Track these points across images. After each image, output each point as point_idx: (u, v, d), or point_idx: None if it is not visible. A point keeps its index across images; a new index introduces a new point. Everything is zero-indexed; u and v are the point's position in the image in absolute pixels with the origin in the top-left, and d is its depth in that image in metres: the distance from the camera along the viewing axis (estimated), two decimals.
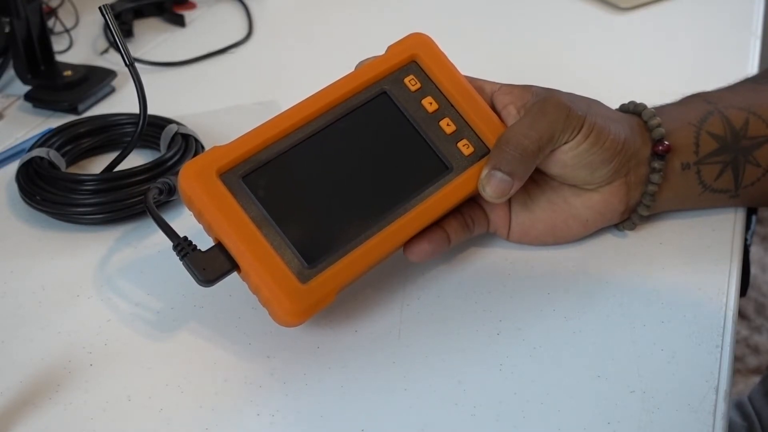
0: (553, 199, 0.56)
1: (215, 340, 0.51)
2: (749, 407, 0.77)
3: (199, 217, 0.49)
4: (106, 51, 0.84)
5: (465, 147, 0.53)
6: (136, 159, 0.65)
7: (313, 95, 0.52)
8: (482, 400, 0.47)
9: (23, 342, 0.51)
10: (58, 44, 0.83)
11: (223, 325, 0.52)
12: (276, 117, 0.51)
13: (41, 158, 0.62)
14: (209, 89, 0.79)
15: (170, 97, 0.75)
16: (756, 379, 1.43)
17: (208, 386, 0.48)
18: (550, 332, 0.51)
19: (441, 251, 0.53)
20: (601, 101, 0.56)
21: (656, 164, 0.54)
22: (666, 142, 0.54)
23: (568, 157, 0.53)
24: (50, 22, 0.85)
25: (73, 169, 0.66)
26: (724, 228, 0.58)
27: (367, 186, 0.51)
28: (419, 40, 0.55)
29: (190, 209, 0.49)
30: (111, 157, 0.63)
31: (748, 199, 0.59)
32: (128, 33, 0.87)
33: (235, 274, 0.49)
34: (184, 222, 0.53)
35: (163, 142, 0.65)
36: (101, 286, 0.55)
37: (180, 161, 0.63)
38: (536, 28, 0.90)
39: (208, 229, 0.49)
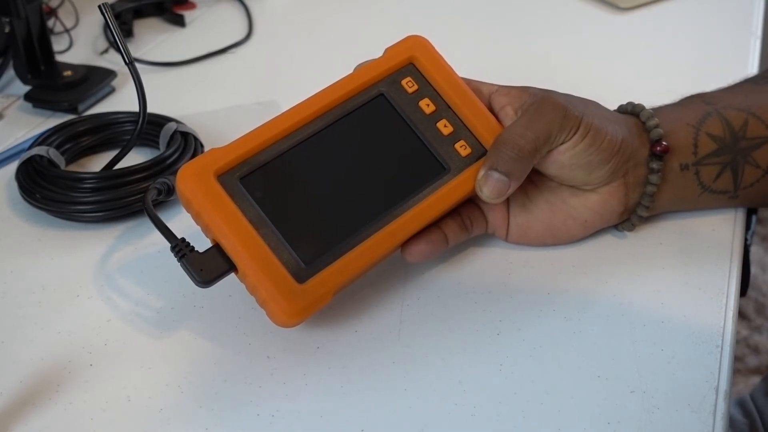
0: (552, 199, 0.56)
1: (215, 340, 0.51)
2: (751, 405, 0.78)
3: (197, 218, 0.49)
4: (106, 51, 0.84)
5: (462, 148, 0.53)
6: (135, 157, 0.65)
7: (310, 97, 0.52)
8: (482, 400, 0.47)
9: (23, 342, 0.51)
10: (58, 44, 0.83)
11: (223, 325, 0.52)
12: (274, 119, 0.51)
13: (41, 156, 0.62)
14: (209, 89, 0.79)
15: (170, 97, 0.75)
16: (756, 379, 1.43)
17: (208, 386, 0.48)
18: (550, 332, 0.51)
19: (439, 252, 0.53)
20: (601, 102, 0.56)
21: (655, 165, 0.54)
22: (664, 143, 0.54)
23: (566, 158, 0.53)
24: (50, 22, 0.85)
25: (72, 168, 0.66)
26: (724, 228, 0.58)
27: (364, 187, 0.51)
28: (416, 42, 0.55)
29: (187, 211, 0.49)
30: (110, 155, 0.63)
31: (748, 200, 0.59)
32: (128, 33, 0.87)
33: (233, 275, 0.49)
34: (183, 223, 0.53)
35: (163, 141, 0.65)
36: (101, 286, 0.55)
37: (179, 159, 0.63)
38: (536, 29, 0.90)
39: (206, 230, 0.49)
